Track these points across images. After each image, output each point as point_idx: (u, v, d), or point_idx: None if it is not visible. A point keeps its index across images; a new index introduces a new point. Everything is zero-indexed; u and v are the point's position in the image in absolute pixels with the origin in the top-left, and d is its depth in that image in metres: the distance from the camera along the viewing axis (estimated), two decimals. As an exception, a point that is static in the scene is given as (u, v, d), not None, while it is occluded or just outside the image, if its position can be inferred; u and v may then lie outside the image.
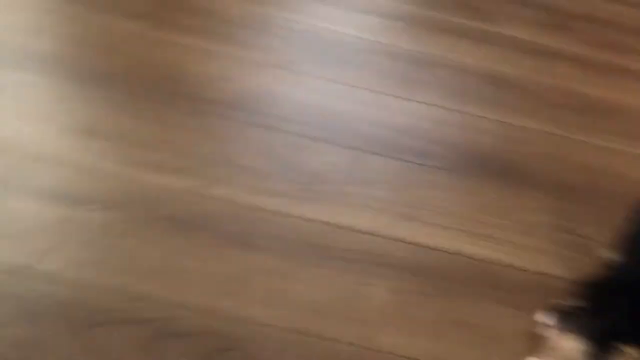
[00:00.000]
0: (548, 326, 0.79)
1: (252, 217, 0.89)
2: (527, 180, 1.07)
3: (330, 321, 0.80)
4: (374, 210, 0.95)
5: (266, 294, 0.81)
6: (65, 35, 1.15)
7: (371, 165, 1.03)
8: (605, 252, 0.86)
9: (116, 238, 0.83)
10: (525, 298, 0.89)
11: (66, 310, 0.74)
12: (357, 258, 0.87)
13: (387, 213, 0.95)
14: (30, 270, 0.77)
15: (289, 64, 1.17)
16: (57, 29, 1.16)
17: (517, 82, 1.26)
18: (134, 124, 0.99)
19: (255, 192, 0.92)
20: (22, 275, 0.76)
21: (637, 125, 1.24)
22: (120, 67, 1.09)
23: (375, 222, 0.93)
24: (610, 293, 0.78)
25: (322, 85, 1.15)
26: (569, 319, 0.77)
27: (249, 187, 0.93)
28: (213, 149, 0.98)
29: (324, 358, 0.77)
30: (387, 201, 0.97)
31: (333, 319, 0.81)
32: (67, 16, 1.19)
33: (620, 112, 1.26)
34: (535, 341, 0.81)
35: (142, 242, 0.83)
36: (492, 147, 1.11)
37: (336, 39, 1.26)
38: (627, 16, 1.65)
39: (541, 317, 0.81)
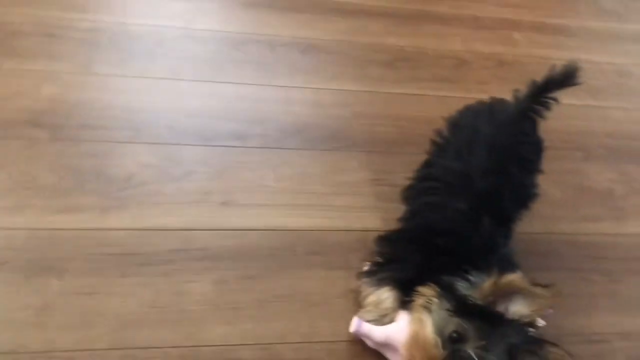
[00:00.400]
0: (363, 282, 0.82)
1: (53, 240, 0.84)
2: (345, 142, 1.09)
3: (151, 330, 0.78)
4: (190, 204, 0.93)
5: (77, 318, 0.77)
6: None
7: (187, 157, 1.00)
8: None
9: None
10: (351, 257, 0.92)
11: None
12: (173, 258, 0.86)
13: (205, 204, 0.94)
14: None
15: (86, 68, 1.10)
16: None
17: (328, 47, 1.27)
18: None
19: (54, 212, 0.87)
20: None
21: (443, 68, 1.30)
22: None
23: (192, 217, 0.92)
24: (400, 243, 0.82)
25: (125, 83, 1.10)
26: (376, 272, 0.81)
27: (47, 208, 0.87)
28: (2, 176, 0.91)
29: (150, 367, 0.75)
30: (205, 192, 0.96)
31: (154, 327, 0.79)
32: None
33: (429, 58, 1.32)
34: (361, 297, 0.84)
35: None
36: (308, 116, 1.12)
37: (137, 32, 1.20)
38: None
39: (359, 274, 0.84)
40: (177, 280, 0.84)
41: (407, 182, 0.93)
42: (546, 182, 0.96)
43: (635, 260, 1.02)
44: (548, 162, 0.94)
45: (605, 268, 1.00)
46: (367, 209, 0.99)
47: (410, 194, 0.89)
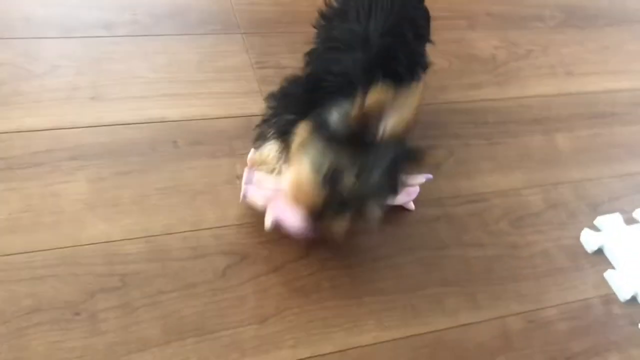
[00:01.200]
0: (254, 150, 0.81)
1: None
2: (224, 24, 1.03)
3: (26, 235, 0.74)
4: (55, 101, 0.87)
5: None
6: None
7: (48, 51, 0.92)
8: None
9: None
10: (236, 144, 0.89)
11: None
12: (42, 160, 0.80)
13: (73, 100, 0.87)
14: None
15: None
16: None
17: None
18: None
19: None
20: None
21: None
22: None
23: (59, 115, 0.85)
24: (288, 94, 0.80)
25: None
26: (261, 132, 0.79)
27: None
28: None
29: (26, 276, 0.72)
30: (71, 87, 0.89)
31: (29, 232, 0.74)
32: None
33: None
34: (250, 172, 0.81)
35: None
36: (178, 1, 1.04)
37: None
38: None
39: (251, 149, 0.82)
40: (48, 182, 0.79)
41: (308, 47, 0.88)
42: (433, 53, 0.95)
43: (512, 123, 1.07)
44: (434, 33, 0.94)
45: (485, 132, 1.04)
46: (250, 94, 0.96)
47: (311, 57, 0.86)
